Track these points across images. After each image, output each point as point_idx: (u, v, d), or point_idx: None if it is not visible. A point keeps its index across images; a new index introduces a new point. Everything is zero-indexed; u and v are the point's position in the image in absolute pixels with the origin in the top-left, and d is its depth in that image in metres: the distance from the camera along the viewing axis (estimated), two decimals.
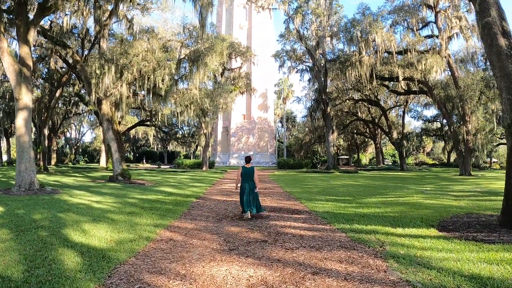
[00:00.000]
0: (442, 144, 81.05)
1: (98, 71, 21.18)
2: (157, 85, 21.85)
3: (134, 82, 22.86)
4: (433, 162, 74.76)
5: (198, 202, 12.69)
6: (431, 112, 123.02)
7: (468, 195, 15.10)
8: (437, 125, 64.19)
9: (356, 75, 33.42)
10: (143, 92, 25.62)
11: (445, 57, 33.48)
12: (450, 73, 40.54)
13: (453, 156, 65.38)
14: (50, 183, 19.63)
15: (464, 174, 32.20)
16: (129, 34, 27.78)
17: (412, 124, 77.04)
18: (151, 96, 24.43)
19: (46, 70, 38.26)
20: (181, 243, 6.60)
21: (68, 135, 75.96)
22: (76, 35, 33.47)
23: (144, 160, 77.66)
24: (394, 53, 32.71)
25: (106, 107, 22.71)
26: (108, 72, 21.05)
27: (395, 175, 33.32)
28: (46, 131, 37.87)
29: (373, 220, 8.85)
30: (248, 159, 10.41)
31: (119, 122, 49.38)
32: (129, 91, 23.44)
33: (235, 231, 7.66)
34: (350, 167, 50.85)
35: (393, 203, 12.15)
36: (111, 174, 23.58)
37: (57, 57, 33.52)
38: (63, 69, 36.22)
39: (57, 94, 36.96)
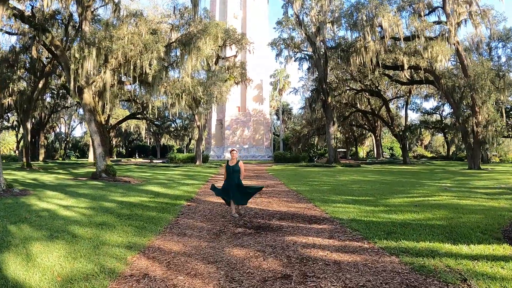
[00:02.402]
0: (439, 137, 79.77)
1: (77, 55, 18.77)
2: (144, 71, 19.47)
3: (119, 69, 20.48)
4: (431, 155, 73.26)
5: (189, 206, 10.40)
6: (431, 104, 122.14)
7: (498, 192, 13.15)
8: (436, 117, 62.68)
9: (360, 62, 31.21)
10: (130, 79, 23.19)
11: (454, 44, 31.39)
12: (457, 61, 38.90)
13: (452, 149, 63.93)
14: (25, 182, 17.31)
15: (473, 168, 30.33)
16: (115, 17, 25.40)
17: (409, 117, 75.14)
18: (137, 83, 22.10)
19: (29, 59, 35.77)
20: (160, 283, 4.34)
21: (58, 129, 73.23)
22: (60, 21, 31.08)
23: (136, 155, 75.50)
24: (401, 38, 30.49)
25: (88, 96, 20.33)
26: (88, 56, 18.64)
27: (401, 169, 31.34)
28: (29, 125, 35.35)
29: (421, 232, 6.71)
30: (233, 153, 9.01)
31: (109, 115, 47.24)
32: (114, 78, 21.07)
33: (240, 257, 5.38)
34: (350, 161, 48.85)
35: (426, 204, 10.05)
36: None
37: (41, 46, 31.21)
38: (48, 59, 33.89)
39: (40, 85, 34.51)
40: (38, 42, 28.62)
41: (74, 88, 19.82)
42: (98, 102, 23.00)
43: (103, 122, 21.91)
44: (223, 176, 19.14)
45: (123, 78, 25.08)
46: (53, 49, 25.45)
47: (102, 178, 19.05)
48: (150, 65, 19.54)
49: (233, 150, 9.03)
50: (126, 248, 5.78)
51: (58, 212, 9.10)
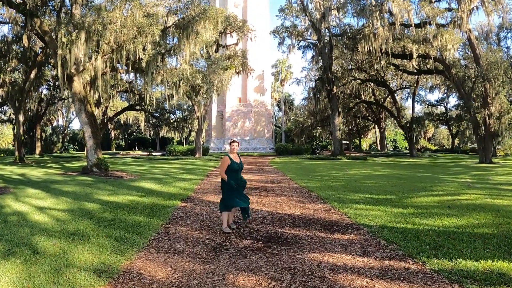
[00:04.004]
0: (443, 129, 78.21)
1: (64, 39, 17.23)
2: (137, 56, 17.93)
3: (112, 55, 18.93)
4: (435, 148, 71.87)
5: (183, 208, 8.89)
6: (435, 96, 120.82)
7: None
8: (441, 109, 61.25)
9: (368, 50, 29.60)
10: (124, 68, 21.63)
11: (466, 32, 29.77)
12: (465, 51, 37.35)
13: (456, 142, 62.59)
14: (10, 178, 15.88)
15: (485, 162, 28.86)
16: (109, 1, 23.86)
17: (411, 109, 73.29)
18: (132, 71, 20.61)
19: (22, 49, 34.29)
20: None
21: (55, 122, 71.67)
22: (52, 7, 29.66)
23: (136, 147, 74.20)
24: (412, 25, 28.87)
25: (78, 84, 18.83)
26: (77, 40, 17.09)
27: (410, 162, 29.92)
28: (21, 118, 33.84)
29: (474, 246, 5.30)
30: (234, 145, 6.85)
31: (107, 107, 45.83)
32: (106, 65, 19.54)
33: None
34: (353, 153, 47.42)
35: (459, 206, 8.64)
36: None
37: (34, 35, 29.91)
38: (42, 49, 32.47)
39: (32, 76, 33.01)
40: (30, 30, 27.28)
41: (63, 76, 18.36)
42: (90, 91, 21.53)
43: (94, 113, 20.46)
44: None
45: (118, 66, 23.64)
46: (42, 35, 24.03)
47: (93, 172, 17.63)
48: (144, 49, 18.00)
49: (234, 141, 6.89)
50: (95, 273, 4.33)
51: (30, 216, 7.69)
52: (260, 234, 6.31)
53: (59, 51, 17.56)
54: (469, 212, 7.82)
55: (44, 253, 5.09)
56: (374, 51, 29.58)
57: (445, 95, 56.09)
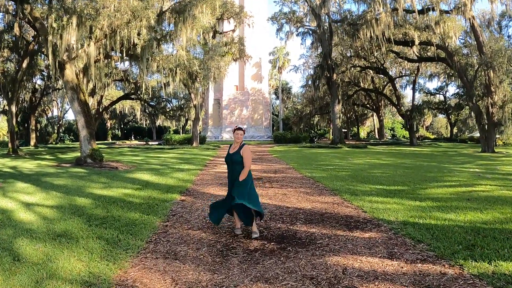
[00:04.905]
0: (441, 118, 77.65)
1: (55, 25, 16.41)
2: (131, 41, 17.13)
3: (105, 41, 18.13)
4: (433, 136, 71.48)
5: (183, 202, 8.19)
6: (434, 84, 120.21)
7: None
8: (439, 98, 60.71)
9: (370, 36, 28.79)
10: (119, 54, 20.80)
11: (469, 19, 29.02)
12: (466, 39, 36.64)
13: (454, 131, 62.26)
14: (1, 172, 15.14)
15: (487, 151, 28.39)
16: None
17: (409, 98, 72.67)
18: (125, 56, 19.82)
19: (14, 39, 33.31)
20: None
21: (51, 113, 70.57)
22: None
23: (132, 137, 73.53)
24: (416, 11, 28.10)
25: (70, 72, 18.02)
26: (68, 25, 16.27)
27: (411, 150, 29.42)
28: (13, 108, 32.95)
29: (509, 244, 4.74)
30: (238, 133, 5.55)
31: (102, 96, 44.92)
32: (99, 52, 18.74)
33: None
34: (354, 142, 46.86)
35: (477, 198, 8.10)
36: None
37: (27, 24, 28.98)
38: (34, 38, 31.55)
39: (24, 65, 32.07)
40: (22, 18, 26.34)
41: (54, 63, 17.57)
42: (83, 79, 20.77)
43: (88, 102, 19.72)
44: (222, 160, 16.55)
45: (113, 53, 22.82)
46: (33, 22, 23.12)
47: (87, 164, 16.93)
48: (138, 34, 17.19)
49: (238, 128, 5.59)
50: (82, 286, 3.65)
51: (15, 214, 7.02)
52: (271, 233, 5.67)
53: (50, 37, 16.77)
54: (492, 206, 7.25)
55: (25, 260, 4.44)
56: (375, 37, 28.86)
57: (444, 83, 55.50)
